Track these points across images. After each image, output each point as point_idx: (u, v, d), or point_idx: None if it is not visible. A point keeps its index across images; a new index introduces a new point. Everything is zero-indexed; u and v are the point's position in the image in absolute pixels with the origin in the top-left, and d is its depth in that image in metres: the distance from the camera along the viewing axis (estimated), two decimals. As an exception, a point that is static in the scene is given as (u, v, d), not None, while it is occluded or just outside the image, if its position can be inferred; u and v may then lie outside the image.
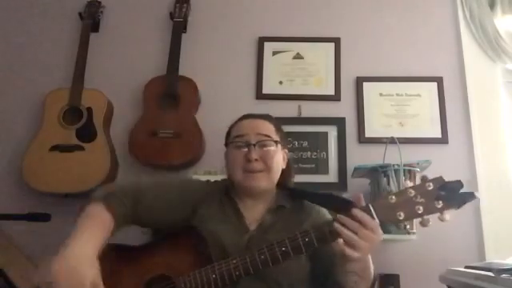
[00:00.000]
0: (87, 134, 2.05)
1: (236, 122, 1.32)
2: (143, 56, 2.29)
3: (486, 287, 1.25)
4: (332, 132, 2.11)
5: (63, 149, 2.01)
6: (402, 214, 0.96)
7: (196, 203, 1.24)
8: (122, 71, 2.27)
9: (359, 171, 1.90)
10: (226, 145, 1.32)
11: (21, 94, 2.25)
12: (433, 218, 0.96)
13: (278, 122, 1.33)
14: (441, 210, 0.95)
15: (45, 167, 1.97)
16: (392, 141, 1.80)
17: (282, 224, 1.22)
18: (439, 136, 2.09)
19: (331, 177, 2.05)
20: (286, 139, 1.36)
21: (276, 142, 1.25)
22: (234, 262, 1.05)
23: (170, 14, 2.29)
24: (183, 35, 2.23)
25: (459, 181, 0.95)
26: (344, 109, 2.17)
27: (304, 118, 2.15)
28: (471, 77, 2.16)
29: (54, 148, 2.01)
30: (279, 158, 1.26)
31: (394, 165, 1.76)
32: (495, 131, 2.11)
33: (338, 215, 1.01)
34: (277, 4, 2.35)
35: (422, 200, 0.95)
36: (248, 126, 1.27)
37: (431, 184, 0.96)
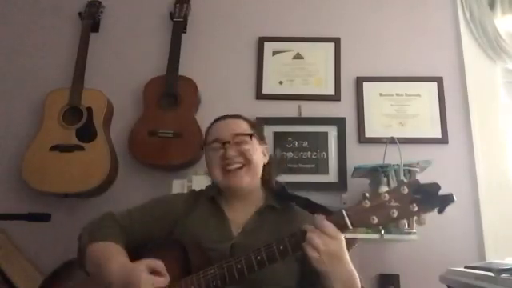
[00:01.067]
0: (87, 133, 2.05)
1: (210, 126, 1.31)
2: (143, 56, 2.29)
3: (485, 287, 1.25)
4: (332, 132, 2.11)
5: (63, 149, 2.01)
6: (375, 219, 0.95)
7: (175, 217, 1.24)
8: (122, 71, 2.27)
9: (359, 171, 1.89)
10: (203, 149, 1.30)
11: (21, 93, 2.26)
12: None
13: (260, 121, 1.33)
14: (417, 214, 0.94)
15: (45, 167, 1.97)
16: (392, 141, 1.80)
17: (269, 226, 1.20)
18: (439, 136, 2.09)
19: (331, 177, 2.05)
20: (264, 135, 1.37)
21: (250, 135, 1.24)
22: (212, 271, 1.04)
23: (170, 14, 2.29)
24: (183, 35, 2.23)
25: (435, 183, 0.93)
26: (344, 109, 2.17)
27: (304, 118, 2.15)
28: (471, 77, 2.16)
29: (54, 148, 2.01)
30: (258, 153, 1.25)
31: (394, 165, 1.76)
32: (495, 131, 2.10)
33: (304, 225, 1.02)
34: (277, 4, 2.35)
35: (397, 204, 0.95)
36: (221, 127, 1.26)
37: (405, 187, 0.95)
